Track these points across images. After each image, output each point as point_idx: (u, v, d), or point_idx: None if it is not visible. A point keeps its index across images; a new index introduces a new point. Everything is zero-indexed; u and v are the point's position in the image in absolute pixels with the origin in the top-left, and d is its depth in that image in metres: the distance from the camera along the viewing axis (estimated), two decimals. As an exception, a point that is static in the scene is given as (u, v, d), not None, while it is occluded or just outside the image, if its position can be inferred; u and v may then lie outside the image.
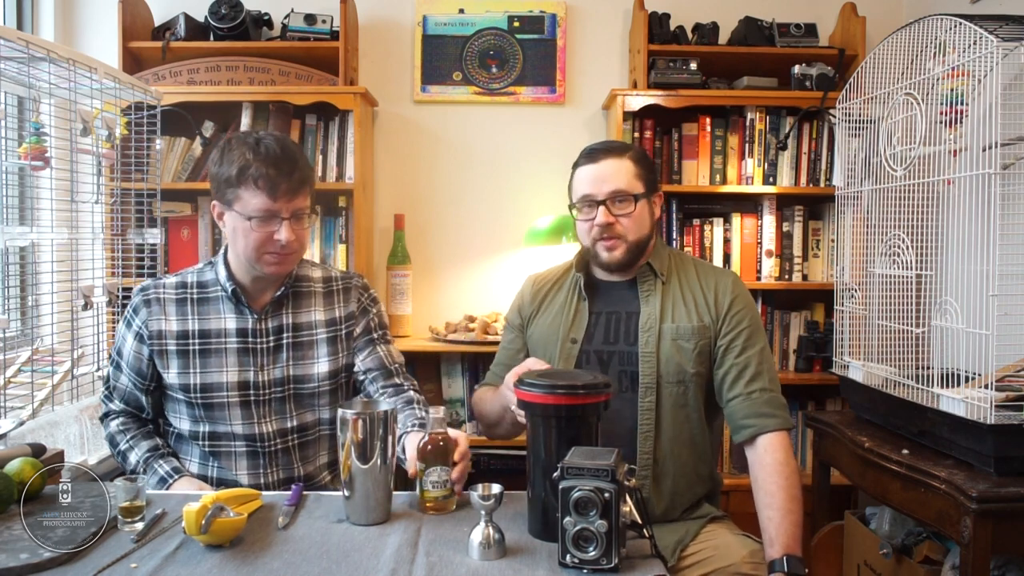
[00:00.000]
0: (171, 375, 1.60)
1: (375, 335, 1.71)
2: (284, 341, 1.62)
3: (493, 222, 2.92)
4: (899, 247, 1.87)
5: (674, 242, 2.71)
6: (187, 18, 2.70)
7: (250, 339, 1.61)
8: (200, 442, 1.61)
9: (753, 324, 1.65)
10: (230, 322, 1.61)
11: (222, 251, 1.65)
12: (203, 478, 1.62)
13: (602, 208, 1.64)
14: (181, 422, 1.63)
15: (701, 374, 1.62)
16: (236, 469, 1.61)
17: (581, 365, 1.66)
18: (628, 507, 1.16)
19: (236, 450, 1.60)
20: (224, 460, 1.61)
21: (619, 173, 1.65)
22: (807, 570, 1.47)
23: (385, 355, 1.70)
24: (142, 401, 1.66)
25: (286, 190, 1.50)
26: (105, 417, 1.70)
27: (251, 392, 1.60)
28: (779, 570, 1.43)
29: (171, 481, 1.56)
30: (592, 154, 1.69)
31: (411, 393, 1.68)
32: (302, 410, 1.63)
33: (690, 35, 2.77)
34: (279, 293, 1.62)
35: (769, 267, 2.71)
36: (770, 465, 1.53)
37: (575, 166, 1.72)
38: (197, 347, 1.60)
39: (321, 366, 1.63)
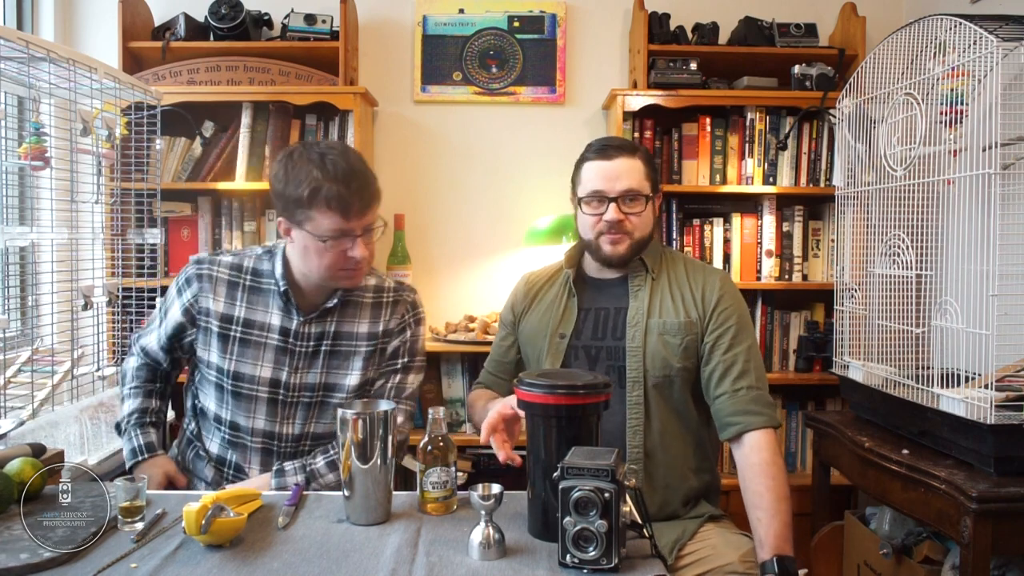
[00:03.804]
0: (210, 353, 1.61)
1: (399, 362, 1.68)
2: (323, 348, 1.62)
3: (493, 222, 2.92)
4: (899, 247, 1.87)
5: (674, 242, 2.71)
6: (187, 18, 2.71)
7: (291, 340, 1.60)
8: (221, 428, 1.63)
9: (740, 322, 1.66)
10: (275, 318, 1.61)
11: (282, 246, 1.62)
12: (221, 461, 1.64)
13: (613, 205, 1.65)
14: (209, 401, 1.64)
15: (688, 369, 1.63)
16: (250, 463, 1.62)
17: (570, 360, 1.66)
18: (628, 507, 1.16)
19: (252, 445, 1.61)
20: (240, 451, 1.62)
21: (632, 172, 1.66)
22: (805, 570, 1.47)
23: (392, 387, 1.66)
24: (160, 357, 1.70)
25: (359, 209, 1.49)
26: (129, 348, 1.76)
27: (280, 391, 1.60)
28: (770, 571, 1.43)
29: (140, 459, 1.62)
30: (604, 150, 1.69)
31: None
32: (324, 419, 1.63)
33: (690, 35, 2.77)
34: (331, 304, 1.61)
35: (769, 267, 2.71)
36: (757, 465, 1.53)
37: (583, 159, 1.72)
38: (239, 335, 1.60)
39: (352, 378, 1.63)
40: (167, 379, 1.77)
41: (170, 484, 1.62)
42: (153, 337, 1.70)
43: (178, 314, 1.64)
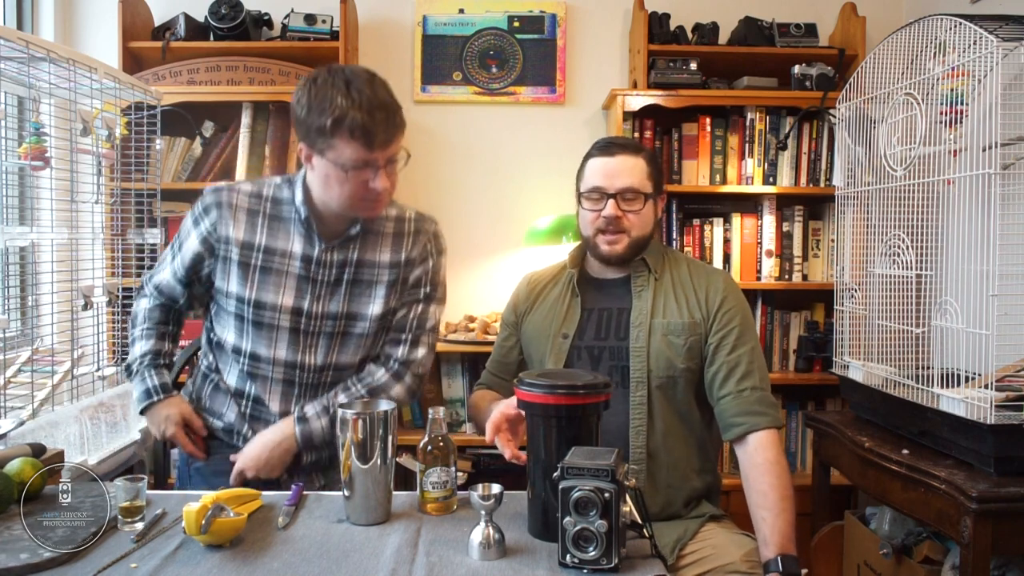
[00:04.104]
0: (230, 283, 1.58)
1: (422, 292, 1.66)
2: (345, 276, 1.59)
3: (493, 222, 2.92)
4: (899, 247, 1.87)
5: (674, 242, 2.71)
6: (187, 18, 2.71)
7: (313, 268, 1.57)
8: (240, 359, 1.61)
9: (744, 323, 1.66)
10: (297, 246, 1.57)
11: (301, 173, 1.58)
12: (240, 393, 1.63)
13: (611, 201, 1.64)
14: (227, 333, 1.62)
15: (691, 370, 1.63)
16: (270, 394, 1.60)
17: (572, 361, 1.66)
18: (628, 507, 1.16)
19: (273, 376, 1.59)
20: (260, 383, 1.61)
21: (633, 170, 1.66)
22: (805, 570, 1.47)
23: (415, 317, 1.65)
24: (176, 294, 1.67)
25: (383, 140, 1.43)
26: (140, 290, 1.74)
27: (302, 320, 1.58)
28: (774, 570, 1.43)
29: (155, 399, 1.61)
30: (608, 147, 1.70)
31: (382, 373, 1.62)
32: (345, 348, 1.61)
33: (690, 35, 2.77)
34: (353, 231, 1.58)
35: (769, 267, 2.71)
36: (761, 464, 1.53)
37: (587, 156, 1.73)
38: (260, 263, 1.57)
39: (375, 307, 1.60)
40: (179, 321, 1.74)
41: (186, 426, 1.62)
42: (167, 272, 1.66)
43: (196, 243, 1.60)
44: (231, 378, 1.64)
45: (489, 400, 1.71)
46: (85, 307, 2.04)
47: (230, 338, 1.61)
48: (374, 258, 1.61)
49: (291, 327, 1.58)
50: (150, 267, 2.40)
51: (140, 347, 1.67)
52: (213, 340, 1.67)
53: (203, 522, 1.16)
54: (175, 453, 1.77)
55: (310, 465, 1.62)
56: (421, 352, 1.66)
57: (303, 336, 1.58)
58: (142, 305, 1.72)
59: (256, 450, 1.56)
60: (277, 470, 1.57)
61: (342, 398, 1.58)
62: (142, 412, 1.64)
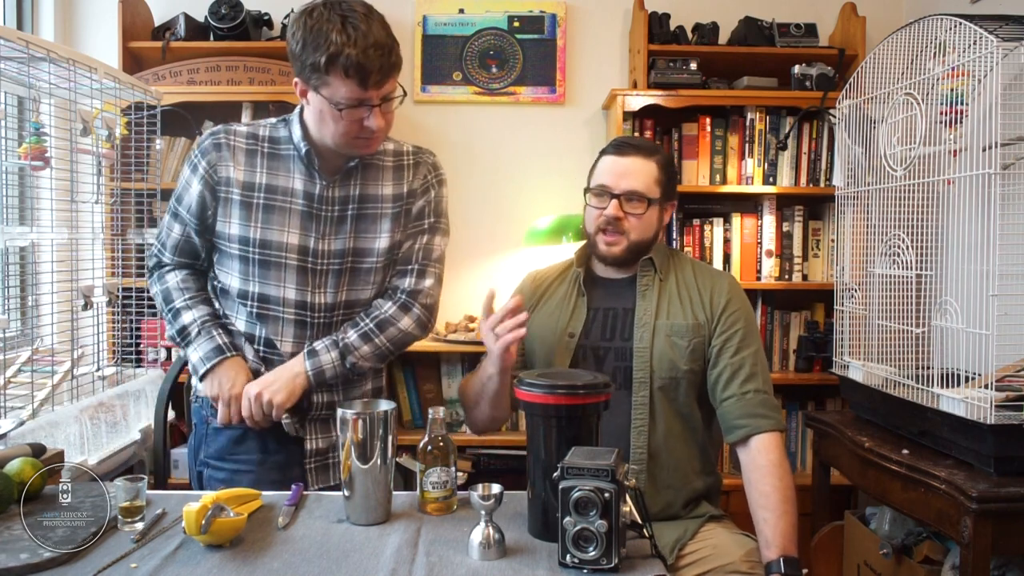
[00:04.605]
0: (232, 226, 1.55)
1: (426, 223, 1.64)
2: (349, 212, 1.57)
3: (493, 222, 2.92)
4: (899, 247, 1.87)
5: (674, 242, 2.72)
6: (187, 18, 2.71)
7: (315, 204, 1.55)
8: (248, 302, 1.57)
9: (748, 325, 1.66)
10: (298, 183, 1.55)
11: (297, 110, 1.57)
12: (251, 337, 1.60)
13: (614, 202, 1.64)
14: (231, 279, 1.59)
15: (694, 371, 1.63)
16: (282, 336, 1.58)
17: (578, 360, 1.66)
18: (628, 507, 1.16)
19: (284, 316, 1.57)
20: (271, 325, 1.58)
21: (641, 173, 1.66)
22: (805, 570, 1.47)
23: (420, 248, 1.63)
24: (198, 247, 1.62)
25: (378, 79, 1.41)
26: (157, 269, 1.65)
27: (309, 259, 1.56)
28: (776, 571, 1.43)
29: (227, 356, 1.54)
30: (621, 147, 1.70)
31: (389, 305, 1.61)
32: (355, 286, 1.60)
33: (690, 35, 2.77)
34: (351, 164, 1.56)
35: (769, 267, 2.71)
36: (764, 466, 1.53)
37: (602, 153, 1.73)
38: (262, 201, 1.55)
39: (382, 241, 1.59)
40: (207, 276, 1.66)
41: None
42: (177, 231, 1.61)
43: (199, 187, 1.56)
44: (239, 324, 1.61)
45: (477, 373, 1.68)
46: (85, 307, 2.04)
47: (235, 283, 1.58)
48: (377, 192, 1.60)
49: (298, 266, 1.56)
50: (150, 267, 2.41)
51: (191, 314, 1.58)
52: (217, 288, 1.64)
53: (203, 522, 1.16)
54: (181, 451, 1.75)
55: (314, 455, 1.60)
56: (428, 282, 1.63)
57: (311, 275, 1.57)
58: (171, 279, 1.63)
59: (266, 376, 1.54)
60: (282, 395, 1.51)
61: (351, 333, 1.56)
62: (206, 372, 1.54)
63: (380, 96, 1.45)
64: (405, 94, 1.50)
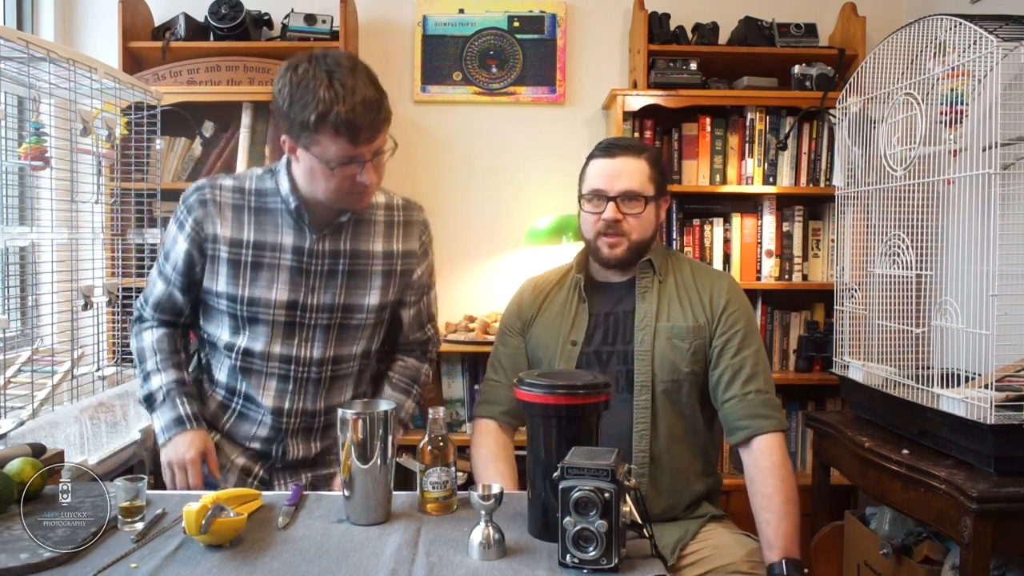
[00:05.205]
0: (220, 283, 1.54)
1: (429, 284, 1.72)
2: (339, 267, 1.56)
3: (493, 222, 2.92)
4: (899, 247, 1.87)
5: (674, 242, 2.71)
6: (187, 18, 2.70)
7: (305, 258, 1.54)
8: (233, 355, 1.57)
9: (748, 326, 1.65)
10: (287, 238, 1.54)
11: (284, 161, 1.54)
12: (232, 389, 1.60)
13: (611, 204, 1.63)
14: (219, 331, 1.58)
15: (696, 373, 1.62)
16: (264, 390, 1.57)
17: (581, 367, 1.66)
18: (628, 507, 1.16)
19: (268, 370, 1.56)
20: (254, 379, 1.58)
21: (634, 172, 1.65)
22: (806, 570, 1.47)
23: (424, 308, 1.72)
24: (180, 305, 1.61)
25: (369, 136, 1.40)
26: (138, 323, 1.65)
27: (298, 313, 1.55)
28: (778, 574, 1.43)
29: (187, 428, 1.53)
30: (609, 149, 1.68)
31: (416, 362, 1.73)
32: (343, 342, 1.59)
33: (690, 35, 2.77)
34: (343, 218, 1.55)
35: (769, 267, 2.71)
36: (767, 468, 1.53)
37: (590, 157, 1.71)
38: (250, 259, 1.53)
39: (372, 298, 1.59)
40: (187, 346, 1.68)
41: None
42: (160, 286, 1.60)
43: (186, 245, 1.55)
44: (221, 374, 1.61)
45: (495, 456, 1.65)
46: (85, 307, 2.04)
47: (223, 336, 1.58)
48: (368, 248, 1.59)
49: (286, 321, 1.55)
50: (151, 267, 2.41)
51: (160, 378, 1.58)
52: (204, 338, 1.64)
53: (203, 522, 1.16)
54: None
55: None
56: (435, 329, 1.77)
57: (299, 329, 1.56)
58: (147, 339, 1.63)
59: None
60: (192, 452, 1.52)
61: (409, 403, 1.68)
62: (165, 442, 1.54)
63: (371, 151, 1.44)
64: (396, 145, 1.49)
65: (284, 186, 1.53)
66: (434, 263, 1.74)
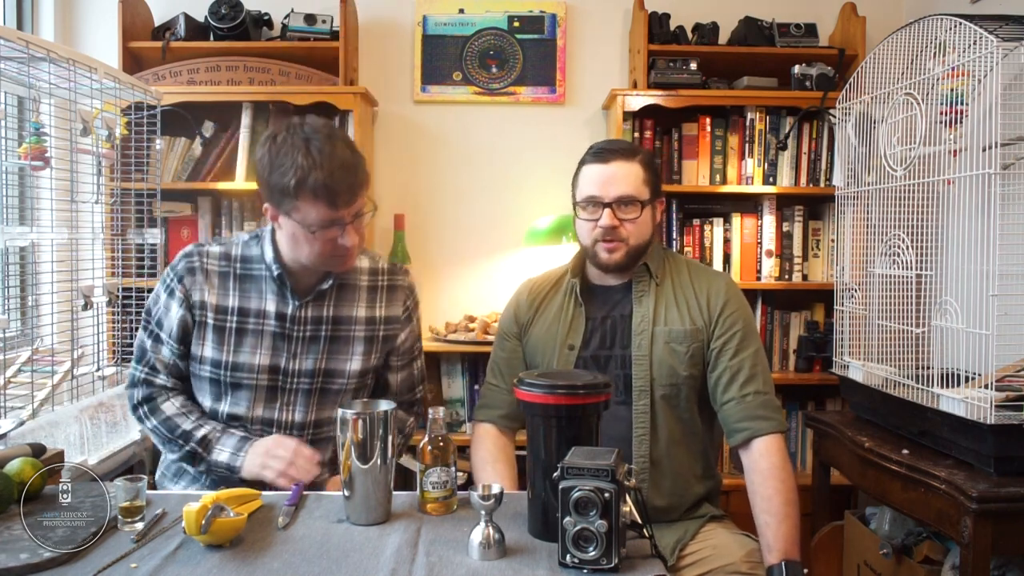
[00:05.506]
0: (205, 349, 1.56)
1: (415, 350, 1.73)
2: (321, 333, 1.59)
3: (493, 222, 2.92)
4: (899, 247, 1.87)
5: (674, 242, 2.71)
6: (187, 18, 2.71)
7: (288, 324, 1.56)
8: (216, 421, 1.58)
9: (746, 327, 1.64)
10: (270, 304, 1.56)
11: (268, 228, 1.57)
12: None
13: (608, 211, 1.61)
14: (202, 398, 1.60)
15: (694, 376, 1.62)
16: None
17: None
18: (628, 507, 1.16)
19: (251, 434, 1.57)
20: None
21: (628, 177, 1.63)
22: (806, 570, 1.47)
23: (415, 372, 1.74)
24: (183, 369, 1.60)
25: (347, 199, 1.44)
26: (147, 402, 1.59)
27: (280, 378, 1.57)
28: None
29: (249, 444, 1.51)
30: (601, 154, 1.66)
31: (413, 415, 1.76)
32: (324, 406, 1.61)
33: (690, 35, 2.77)
34: (326, 285, 1.58)
35: (769, 267, 2.71)
36: (766, 469, 1.53)
37: (582, 163, 1.69)
38: (234, 325, 1.56)
39: (354, 364, 1.61)
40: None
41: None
42: (166, 354, 1.59)
43: (179, 311, 1.56)
44: None
45: (493, 458, 1.66)
46: (85, 307, 2.04)
47: (206, 401, 1.60)
48: (350, 313, 1.61)
49: (268, 385, 1.57)
50: (150, 267, 2.41)
51: (205, 428, 1.55)
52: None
53: (203, 522, 1.16)
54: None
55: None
56: (425, 391, 1.79)
57: (280, 393, 1.58)
58: (167, 410, 1.58)
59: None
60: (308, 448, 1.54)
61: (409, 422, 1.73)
62: (243, 461, 1.50)
63: (351, 214, 1.47)
64: (376, 207, 1.51)
65: (268, 253, 1.57)
66: (419, 328, 1.76)
